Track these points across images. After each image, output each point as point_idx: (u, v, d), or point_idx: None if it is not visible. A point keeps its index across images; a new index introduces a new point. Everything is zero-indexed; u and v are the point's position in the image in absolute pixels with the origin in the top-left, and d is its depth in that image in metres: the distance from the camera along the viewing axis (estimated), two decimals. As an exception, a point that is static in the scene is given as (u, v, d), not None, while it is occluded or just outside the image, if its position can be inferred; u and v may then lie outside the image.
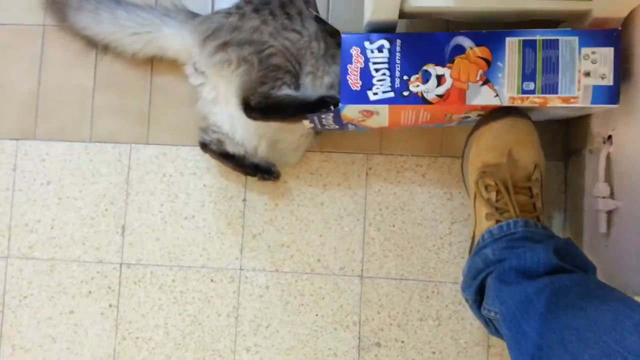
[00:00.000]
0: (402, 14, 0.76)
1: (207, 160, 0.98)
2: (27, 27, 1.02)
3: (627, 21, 0.74)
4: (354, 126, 0.88)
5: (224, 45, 0.85)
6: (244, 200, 0.98)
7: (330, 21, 0.90)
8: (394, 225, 0.96)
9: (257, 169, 0.93)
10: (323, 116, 0.83)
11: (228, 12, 0.88)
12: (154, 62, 0.99)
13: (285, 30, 0.85)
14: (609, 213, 0.79)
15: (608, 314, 0.54)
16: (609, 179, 0.79)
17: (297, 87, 0.86)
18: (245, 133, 0.90)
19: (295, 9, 0.87)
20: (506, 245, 0.75)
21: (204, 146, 0.93)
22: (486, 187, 0.79)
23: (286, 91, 0.84)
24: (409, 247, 0.96)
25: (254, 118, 0.86)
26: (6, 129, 1.01)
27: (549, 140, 0.94)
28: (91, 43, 0.98)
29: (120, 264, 0.99)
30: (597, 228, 0.81)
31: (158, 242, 0.99)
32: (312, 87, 0.87)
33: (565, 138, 0.94)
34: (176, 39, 0.92)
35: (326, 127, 0.88)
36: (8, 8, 1.02)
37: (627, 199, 0.76)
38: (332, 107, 0.81)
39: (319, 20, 0.87)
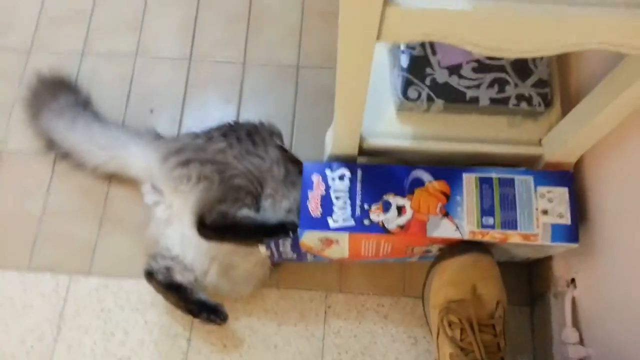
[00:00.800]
0: (362, 151, 0.78)
1: (152, 294, 0.90)
2: (-18, 151, 1.00)
3: (578, 166, 0.77)
4: (312, 256, 0.85)
5: (186, 162, 0.85)
6: (189, 339, 0.89)
7: (293, 152, 0.92)
8: (353, 374, 0.88)
9: (202, 307, 0.86)
10: (281, 242, 0.80)
11: (196, 135, 0.89)
12: (109, 190, 0.97)
13: (249, 154, 0.86)
14: (580, 362, 0.74)
15: None
16: (576, 324, 0.76)
17: (257, 209, 0.84)
18: (196, 254, 0.85)
19: (260, 137, 0.89)
20: None
21: (150, 275, 0.87)
22: (450, 324, 0.75)
23: (245, 212, 0.82)
24: (369, 400, 0.87)
25: (207, 237, 0.82)
26: None
27: (513, 284, 0.90)
28: (52, 147, 0.95)
29: (37, 415, 0.85)
30: (569, 379, 0.75)
31: (85, 388, 0.87)
32: (272, 209, 0.85)
33: (529, 282, 0.92)
34: (140, 157, 0.91)
35: (283, 256, 0.84)
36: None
37: (598, 346, 0.72)
38: (290, 234, 0.78)
39: (282, 149, 0.89)
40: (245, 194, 0.83)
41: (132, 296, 0.91)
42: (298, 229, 0.76)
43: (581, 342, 0.74)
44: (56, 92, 0.97)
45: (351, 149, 0.75)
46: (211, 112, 1.02)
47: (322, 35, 1.06)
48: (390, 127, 0.76)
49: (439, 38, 0.45)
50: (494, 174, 0.75)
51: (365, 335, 0.90)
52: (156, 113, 1.02)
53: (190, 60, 1.06)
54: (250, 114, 1.01)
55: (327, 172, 0.78)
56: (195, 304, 0.86)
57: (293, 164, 0.88)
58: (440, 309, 0.76)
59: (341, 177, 0.77)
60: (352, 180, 0.77)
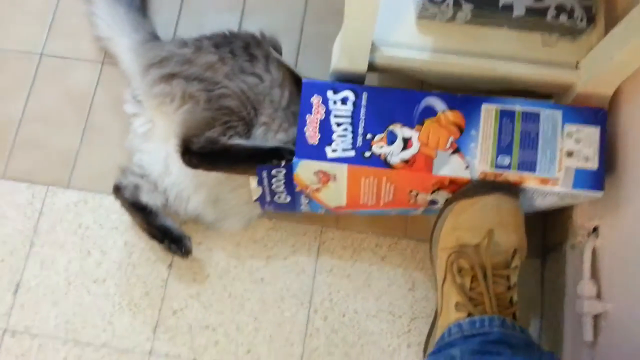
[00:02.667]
0: (372, 67, 0.69)
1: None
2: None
3: (613, 104, 0.67)
4: (307, 202, 0.77)
5: (169, 77, 0.76)
6: (170, 266, 0.82)
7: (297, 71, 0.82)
8: (344, 315, 0.81)
9: (165, 234, 0.78)
10: (274, 173, 0.71)
11: (184, 42, 0.79)
12: (95, 97, 0.89)
13: (243, 73, 0.76)
14: (596, 318, 0.66)
15: None
16: (595, 277, 0.68)
17: (248, 138, 0.76)
18: (180, 178, 0.77)
19: (260, 51, 0.79)
20: (479, 349, 0.61)
21: (117, 189, 0.80)
22: (460, 271, 0.67)
23: (236, 141, 0.74)
24: (359, 345, 0.80)
25: (193, 165, 0.74)
26: None
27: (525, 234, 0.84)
28: None
29: (4, 330, 0.79)
30: (580, 336, 0.68)
31: (55, 307, 0.81)
32: (263, 140, 0.76)
33: (543, 232, 0.84)
34: (127, 55, 0.83)
35: (276, 196, 0.76)
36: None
37: (618, 300, 0.64)
38: (285, 159, 0.70)
39: (287, 69, 0.79)
40: (237, 120, 0.74)
41: (113, 214, 0.84)
42: (293, 158, 0.68)
43: (599, 296, 0.66)
44: None
45: (361, 60, 0.66)
46: (210, 20, 0.93)
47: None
48: (408, 36, 0.67)
49: None
50: (518, 107, 0.66)
51: (359, 275, 0.83)
52: (149, 14, 0.92)
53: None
54: (254, 26, 0.91)
55: (329, 93, 0.69)
56: (158, 230, 0.79)
57: (298, 88, 0.76)
58: (451, 253, 0.68)
59: (344, 100, 0.68)
60: (356, 105, 0.68)
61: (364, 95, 0.68)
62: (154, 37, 0.85)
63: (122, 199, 0.80)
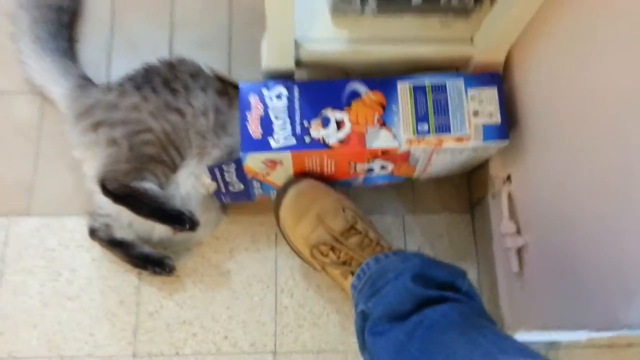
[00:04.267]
0: (299, 63, 0.77)
1: (97, 229, 0.88)
2: None
3: (507, 69, 0.79)
4: (259, 187, 0.84)
5: (96, 126, 0.81)
6: (139, 272, 0.88)
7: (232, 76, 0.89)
8: (307, 290, 0.89)
9: (147, 261, 0.85)
10: (224, 167, 0.78)
11: (108, 88, 0.84)
12: (43, 127, 0.93)
13: (168, 109, 0.81)
14: (519, 251, 0.78)
15: (464, 345, 0.58)
16: (513, 216, 0.79)
17: (172, 173, 0.82)
18: (132, 215, 0.82)
19: (180, 83, 0.83)
20: (370, 293, 0.72)
21: (93, 233, 0.85)
22: (322, 253, 0.78)
23: (148, 185, 0.80)
24: (325, 314, 0.89)
25: (113, 201, 0.80)
26: None
27: (454, 195, 0.95)
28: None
29: (-13, 361, 0.82)
30: (509, 269, 0.79)
31: (35, 329, 0.84)
32: (199, 165, 0.82)
33: (469, 190, 0.95)
34: (60, 104, 0.87)
35: (230, 187, 0.83)
36: None
37: (533, 234, 0.75)
38: (187, 226, 0.79)
39: (217, 78, 0.85)
40: (155, 164, 0.81)
41: (76, 234, 0.89)
42: (241, 155, 0.75)
43: (518, 232, 0.78)
44: None
45: (287, 57, 0.74)
46: (142, 39, 0.98)
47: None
48: (326, 32, 0.75)
49: None
50: (427, 81, 0.76)
51: (316, 252, 0.91)
52: (83, 42, 0.96)
53: (114, -13, 1.00)
54: (183, 41, 0.98)
55: (264, 91, 0.76)
56: (139, 259, 0.85)
57: (223, 98, 0.83)
58: (309, 250, 0.79)
59: (278, 96, 0.76)
60: (290, 99, 0.76)
61: (295, 89, 0.76)
62: (84, 80, 0.88)
63: (99, 239, 0.85)
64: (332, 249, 0.78)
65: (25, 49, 0.90)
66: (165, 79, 0.83)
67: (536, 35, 0.71)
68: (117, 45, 0.97)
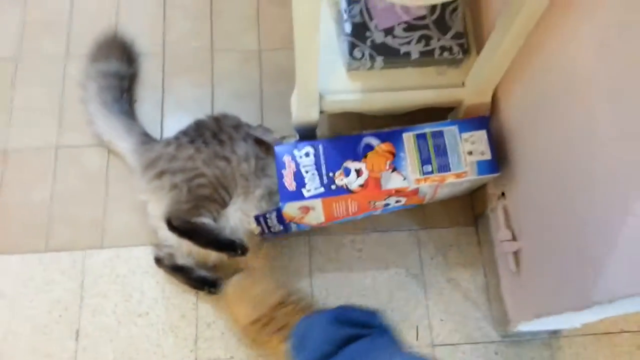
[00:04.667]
0: (322, 111, 0.94)
1: (160, 256, 1.05)
2: (-14, 156, 1.12)
3: (494, 107, 0.95)
4: (296, 226, 0.99)
5: (161, 174, 0.98)
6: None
7: (264, 123, 1.06)
8: (339, 299, 1.04)
9: (204, 283, 1.01)
10: (267, 215, 0.95)
11: (168, 142, 1.01)
12: (108, 173, 1.10)
13: (217, 157, 0.98)
14: (515, 254, 0.93)
15: None
16: (509, 225, 0.94)
17: (223, 209, 0.98)
18: (190, 246, 0.98)
19: (225, 135, 1.00)
20: (298, 348, 0.86)
21: (158, 261, 1.02)
22: (262, 324, 0.94)
23: (205, 220, 0.96)
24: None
25: (178, 235, 0.96)
26: (-41, 248, 1.05)
27: (459, 211, 1.10)
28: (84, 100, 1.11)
29: (73, 372, 0.98)
30: (509, 271, 0.94)
31: (111, 343, 1.00)
32: (245, 202, 0.98)
33: (472, 207, 1.11)
34: (126, 156, 1.05)
35: (272, 229, 0.99)
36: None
37: (526, 238, 0.90)
38: (239, 252, 0.95)
39: (248, 136, 1.01)
40: (209, 202, 0.96)
41: (142, 261, 1.05)
42: (280, 205, 0.89)
43: (514, 238, 0.93)
44: (111, 54, 1.12)
45: (313, 108, 0.91)
46: (188, 95, 1.17)
47: (278, 21, 1.22)
48: (343, 85, 0.92)
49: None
50: (427, 129, 0.91)
51: (344, 267, 1.07)
52: (140, 102, 1.15)
53: (163, 52, 1.20)
54: (222, 95, 1.17)
55: (295, 152, 0.91)
56: (196, 281, 1.01)
57: (261, 148, 1.00)
58: (250, 323, 0.95)
59: (307, 154, 0.91)
60: (316, 155, 0.90)
61: (320, 147, 0.91)
62: (145, 135, 1.06)
63: (164, 266, 1.02)
64: (268, 323, 0.94)
65: (95, 112, 1.08)
66: (213, 132, 1.00)
67: (513, 80, 0.88)
68: (167, 104, 1.16)
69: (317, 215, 0.95)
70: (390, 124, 0.95)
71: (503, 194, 0.96)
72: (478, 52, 0.93)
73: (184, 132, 1.02)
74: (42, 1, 1.23)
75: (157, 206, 0.99)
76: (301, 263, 1.07)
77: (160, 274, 1.04)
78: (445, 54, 0.91)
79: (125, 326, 1.01)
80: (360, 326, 0.82)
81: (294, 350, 0.87)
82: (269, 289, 0.97)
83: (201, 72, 1.18)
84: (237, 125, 1.02)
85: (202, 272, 1.01)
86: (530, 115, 0.84)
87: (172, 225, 0.95)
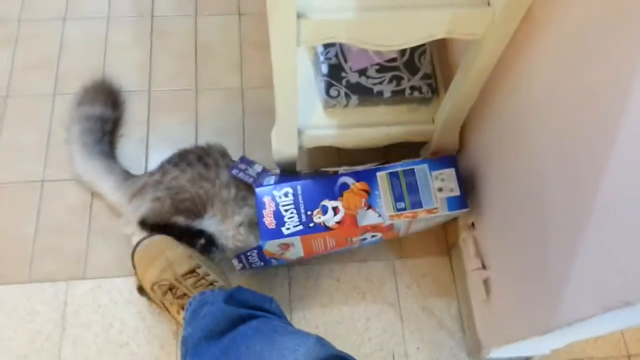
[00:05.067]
0: (301, 146, 0.99)
1: (142, 287, 1.07)
2: (-27, 189, 1.14)
3: (461, 143, 1.02)
4: (276, 261, 1.03)
5: (146, 196, 1.02)
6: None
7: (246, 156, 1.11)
8: (317, 327, 1.07)
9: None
10: (248, 254, 0.99)
11: (152, 172, 1.06)
12: (92, 208, 1.14)
13: (201, 178, 1.02)
14: (485, 282, 0.97)
15: (268, 345, 0.75)
16: (478, 254, 0.99)
17: (196, 219, 1.01)
18: None
19: (211, 159, 1.05)
20: (191, 319, 0.87)
21: (143, 223, 1.03)
22: (162, 290, 0.95)
23: (180, 218, 1.00)
24: (333, 349, 1.06)
25: (148, 230, 1.00)
26: (-59, 280, 1.06)
27: (433, 242, 1.15)
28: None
29: (51, 404, 0.98)
30: (481, 299, 0.98)
31: (92, 374, 1.01)
32: (221, 224, 1.02)
33: (445, 237, 1.16)
34: (109, 195, 1.09)
35: (253, 264, 1.03)
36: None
37: (494, 267, 0.95)
38: (214, 242, 0.99)
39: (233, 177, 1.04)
40: (189, 213, 1.00)
41: (124, 292, 1.07)
42: (261, 243, 0.93)
43: (483, 267, 0.98)
44: (97, 99, 1.16)
45: (292, 142, 0.97)
46: (173, 132, 1.22)
47: (259, 62, 1.29)
48: (321, 120, 0.98)
49: (340, 39, 0.68)
50: (399, 168, 0.95)
51: (322, 296, 1.10)
52: (126, 137, 1.20)
53: (149, 91, 1.25)
54: (206, 132, 1.22)
55: (275, 192, 0.95)
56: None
57: (241, 185, 1.03)
58: (152, 287, 0.96)
59: (286, 194, 0.94)
60: (295, 195, 0.94)
61: (298, 187, 0.94)
62: (126, 173, 1.10)
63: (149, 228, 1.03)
64: (171, 288, 0.95)
65: (75, 153, 1.12)
66: (199, 155, 1.04)
67: (477, 117, 0.95)
68: (152, 140, 1.21)
69: (296, 251, 0.99)
70: (366, 157, 1.01)
71: (473, 224, 1.02)
72: (445, 92, 1.00)
73: (168, 160, 1.07)
74: (32, 43, 1.29)
75: (136, 217, 1.02)
76: (280, 292, 1.09)
77: (142, 303, 1.06)
78: (415, 93, 0.98)
79: (105, 356, 1.02)
80: (254, 308, 0.84)
81: (185, 321, 0.89)
82: (181, 256, 0.97)
83: (185, 110, 1.24)
84: (224, 153, 1.07)
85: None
86: (493, 150, 0.91)
87: (145, 224, 0.99)
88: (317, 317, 1.08)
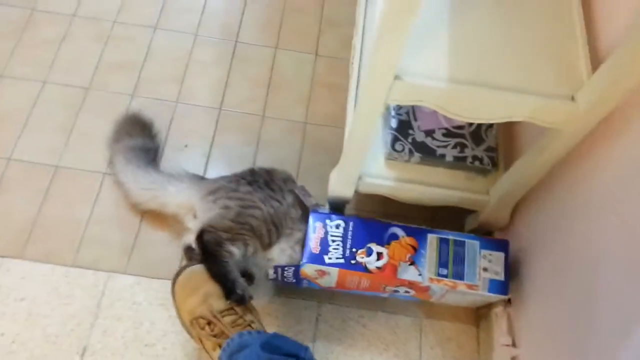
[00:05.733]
0: (356, 190, 1.03)
1: (178, 293, 1.10)
2: (40, 166, 1.21)
3: (511, 220, 1.04)
4: (307, 282, 1.05)
5: (217, 199, 1.06)
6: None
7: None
8: (340, 367, 1.08)
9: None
10: (286, 269, 1.02)
11: (229, 180, 1.10)
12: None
13: (271, 198, 1.07)
14: (513, 359, 0.98)
15: None
16: (510, 331, 1.00)
17: (262, 248, 1.04)
18: None
19: (275, 185, 1.09)
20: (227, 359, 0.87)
21: (188, 249, 1.07)
22: (199, 325, 0.95)
23: (235, 250, 1.00)
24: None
25: (198, 248, 1.01)
26: (-4, 247, 1.12)
27: (465, 309, 1.16)
28: (112, 171, 1.19)
29: (70, 388, 1.01)
30: (505, 375, 0.98)
31: (115, 366, 1.04)
32: (286, 240, 1.05)
33: (476, 307, 1.16)
34: (180, 196, 1.11)
35: (285, 279, 1.05)
36: (27, 148, 1.22)
37: (526, 347, 0.96)
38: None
39: (295, 195, 1.09)
40: (251, 235, 1.02)
41: (160, 294, 1.10)
42: (301, 264, 0.96)
43: (514, 344, 0.98)
44: (134, 132, 1.21)
45: (349, 187, 1.01)
46: (234, 151, 1.27)
47: (326, 101, 1.34)
48: (381, 170, 1.02)
49: (427, 103, 0.73)
50: (451, 237, 0.98)
51: (347, 339, 1.11)
52: (190, 148, 1.26)
53: (220, 110, 1.32)
54: (265, 157, 1.27)
55: (327, 221, 0.99)
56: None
57: (303, 205, 1.08)
58: (191, 320, 0.97)
59: (337, 226, 0.98)
60: (346, 229, 0.98)
61: (351, 224, 0.98)
62: (193, 175, 1.14)
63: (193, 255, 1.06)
64: (209, 323, 0.94)
65: (128, 179, 1.14)
66: (266, 181, 1.09)
67: (533, 198, 0.97)
68: (214, 156, 1.27)
69: (330, 280, 1.02)
70: (412, 212, 1.03)
71: (509, 300, 1.03)
72: (505, 167, 1.03)
73: (242, 176, 1.10)
74: (121, 44, 1.38)
75: (202, 216, 1.04)
76: (307, 327, 1.11)
77: (174, 310, 1.09)
78: (477, 163, 1.01)
79: (131, 352, 1.05)
80: (289, 356, 0.85)
81: None
82: (220, 292, 0.97)
83: (250, 133, 1.30)
84: (287, 178, 1.11)
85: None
86: (546, 232, 0.93)
87: (201, 237, 1.00)
88: (338, 358, 1.09)
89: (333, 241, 0.97)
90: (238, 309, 0.96)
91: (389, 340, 1.12)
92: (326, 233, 0.98)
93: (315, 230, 0.98)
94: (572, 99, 0.72)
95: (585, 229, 0.80)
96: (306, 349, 0.90)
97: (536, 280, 0.94)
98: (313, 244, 0.97)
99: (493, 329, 1.07)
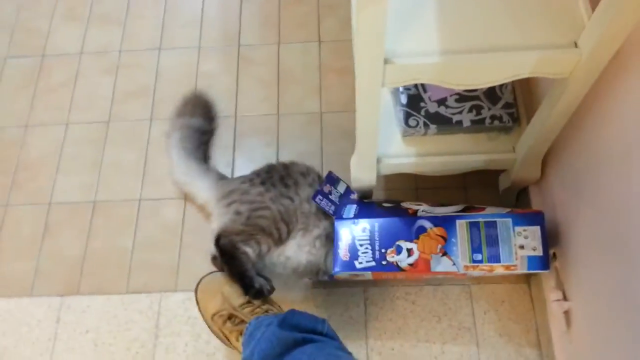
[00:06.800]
0: (379, 173, 1.03)
1: (228, 301, 1.14)
2: (79, 205, 1.27)
3: (542, 172, 1.01)
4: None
5: (231, 203, 1.09)
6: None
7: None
8: (393, 349, 1.09)
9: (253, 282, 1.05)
10: (320, 276, 1.03)
11: (244, 180, 1.13)
12: (184, 224, 1.23)
13: (282, 196, 1.08)
14: (566, 313, 0.96)
15: None
16: (559, 285, 0.98)
17: (275, 245, 1.06)
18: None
19: (292, 179, 1.11)
20: (248, 342, 0.91)
21: (214, 259, 1.11)
22: (222, 319, 1.02)
23: (249, 250, 1.04)
24: (408, 370, 1.08)
25: (217, 253, 1.06)
26: (54, 288, 1.19)
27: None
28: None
29: (146, 406, 1.07)
30: (561, 330, 0.97)
31: (182, 381, 1.09)
32: (302, 238, 1.06)
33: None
34: (203, 193, 1.17)
35: (320, 279, 1.07)
36: (64, 190, 1.28)
37: (576, 299, 0.93)
38: (262, 293, 1.02)
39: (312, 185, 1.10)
40: (262, 234, 1.04)
41: (211, 305, 1.15)
42: (333, 270, 0.96)
43: (564, 298, 0.96)
44: (196, 111, 1.27)
45: (370, 170, 1.00)
46: (256, 155, 1.29)
47: (338, 87, 1.33)
48: (399, 149, 1.01)
49: (423, 80, 0.71)
50: (481, 219, 0.92)
51: (398, 318, 1.12)
52: (212, 160, 1.28)
53: (235, 117, 1.33)
54: (287, 154, 1.28)
55: (352, 226, 0.97)
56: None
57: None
58: (212, 318, 1.03)
59: (363, 229, 0.96)
60: (372, 231, 0.95)
61: (376, 225, 0.96)
62: (220, 175, 1.19)
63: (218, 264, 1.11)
64: (230, 317, 1.01)
65: (176, 157, 1.21)
66: (281, 176, 1.10)
67: (562, 146, 0.94)
68: (238, 162, 1.29)
69: (366, 277, 1.01)
70: (443, 182, 1.01)
71: (554, 254, 1.00)
72: (528, 119, 1.00)
73: (257, 173, 1.13)
74: (131, 72, 1.41)
75: (218, 221, 1.09)
76: (356, 312, 1.13)
77: (200, 316, 1.13)
78: (496, 122, 0.99)
79: (194, 365, 1.10)
80: (307, 331, 0.87)
81: (243, 345, 0.94)
82: (237, 291, 1.03)
83: (268, 133, 1.31)
84: (306, 172, 1.12)
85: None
86: (578, 180, 0.90)
87: (218, 242, 1.05)
88: (392, 338, 1.10)
89: (361, 245, 0.95)
90: (256, 302, 1.02)
91: (441, 311, 1.12)
92: (353, 238, 0.96)
93: (341, 237, 0.97)
94: (575, 45, 0.69)
95: (614, 175, 0.77)
96: (323, 321, 0.92)
97: (576, 230, 0.92)
98: (342, 252, 0.96)
99: (543, 285, 1.05)
